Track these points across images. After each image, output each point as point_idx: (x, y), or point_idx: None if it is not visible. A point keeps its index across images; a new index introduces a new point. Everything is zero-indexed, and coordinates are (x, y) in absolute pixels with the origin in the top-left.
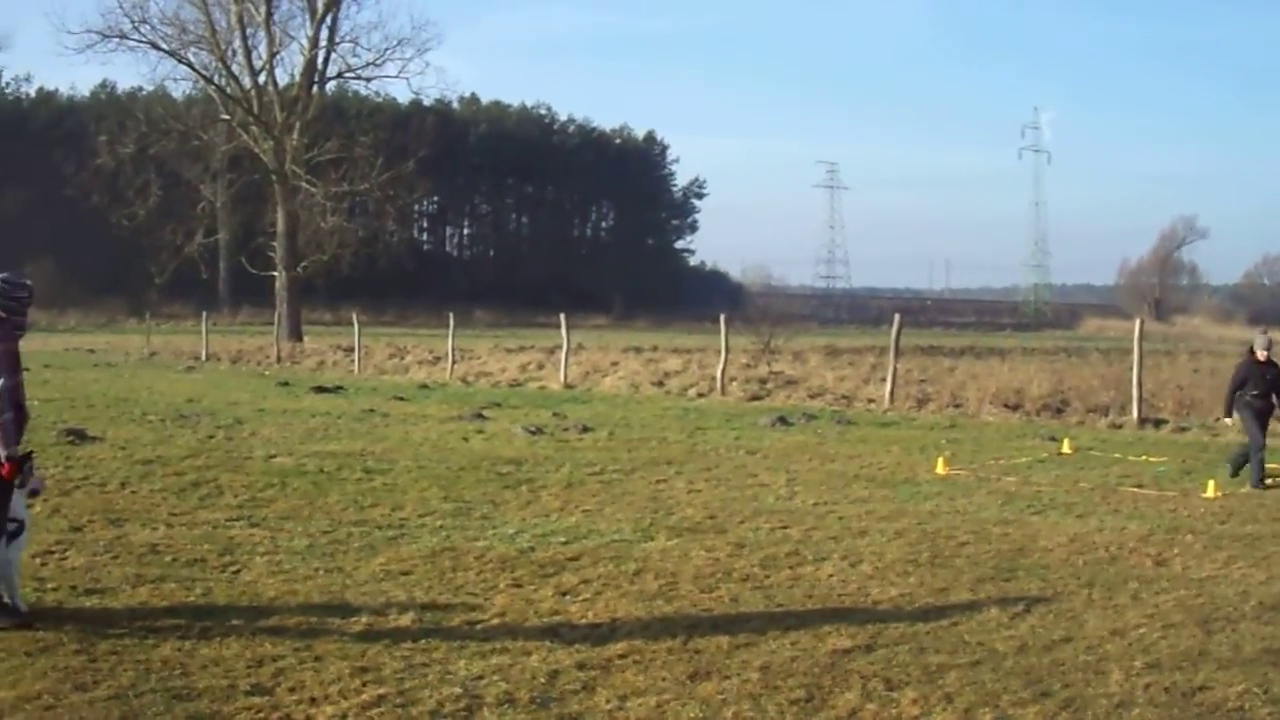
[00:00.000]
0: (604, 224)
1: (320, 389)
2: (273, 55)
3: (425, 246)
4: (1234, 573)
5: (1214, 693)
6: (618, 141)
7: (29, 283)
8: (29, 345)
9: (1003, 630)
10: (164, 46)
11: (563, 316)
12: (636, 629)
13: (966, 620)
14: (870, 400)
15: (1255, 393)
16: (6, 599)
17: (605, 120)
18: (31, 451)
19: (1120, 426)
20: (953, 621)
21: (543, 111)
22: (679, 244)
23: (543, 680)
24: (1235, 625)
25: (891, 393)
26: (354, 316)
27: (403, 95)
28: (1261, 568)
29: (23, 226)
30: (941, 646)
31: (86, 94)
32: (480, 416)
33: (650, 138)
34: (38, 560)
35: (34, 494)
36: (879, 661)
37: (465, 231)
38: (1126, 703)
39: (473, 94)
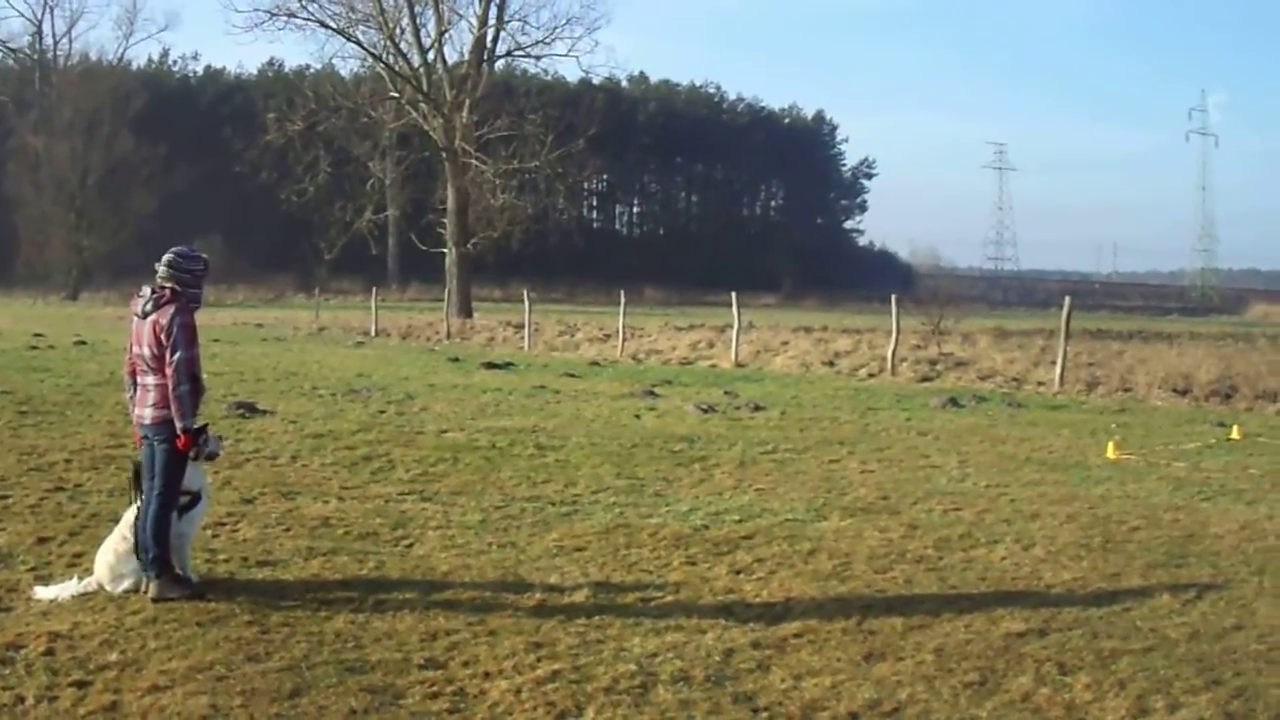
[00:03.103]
0: (773, 203)
1: (491, 365)
2: (441, 33)
3: (595, 224)
4: None
5: None
6: (787, 121)
7: (204, 256)
8: (197, 319)
9: (1174, 617)
10: (332, 25)
11: (734, 295)
12: (811, 609)
13: (1138, 606)
14: (1040, 383)
15: None
16: (179, 570)
17: (774, 100)
18: (207, 424)
19: None
20: (1125, 607)
21: (711, 90)
22: (848, 224)
23: (717, 659)
24: None
25: (1061, 376)
26: (525, 293)
27: (572, 74)
28: None
29: (192, 202)
30: (1114, 632)
31: (254, 72)
32: (652, 394)
33: (819, 117)
34: (209, 532)
35: (212, 457)
36: (1052, 646)
37: (634, 210)
38: None
39: (641, 73)
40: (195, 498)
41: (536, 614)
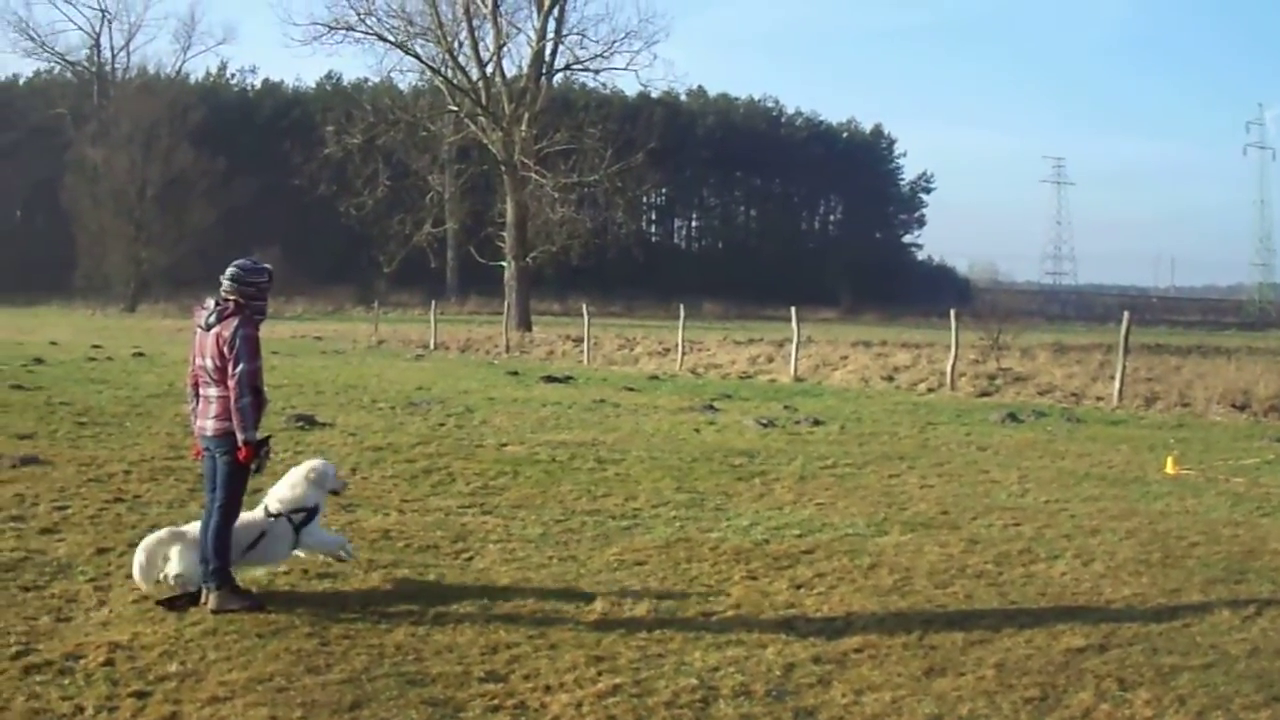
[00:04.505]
0: (832, 218)
1: (550, 378)
2: (500, 47)
3: (654, 238)
4: None
5: None
6: (845, 135)
7: (268, 267)
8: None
9: (1234, 633)
10: (390, 38)
11: (793, 309)
12: (871, 623)
13: (1198, 622)
14: (1099, 398)
15: None
16: (341, 553)
17: (832, 114)
18: (269, 436)
19: None
20: (1185, 623)
21: (770, 104)
22: (906, 238)
23: (778, 673)
24: None
25: (1120, 391)
26: (583, 307)
27: (631, 88)
28: None
29: (252, 215)
30: (1174, 648)
31: (312, 85)
32: (711, 408)
33: (878, 131)
34: None
35: (335, 493)
36: (1112, 661)
37: (693, 224)
38: None
39: (700, 86)
40: (313, 512)
41: (597, 628)
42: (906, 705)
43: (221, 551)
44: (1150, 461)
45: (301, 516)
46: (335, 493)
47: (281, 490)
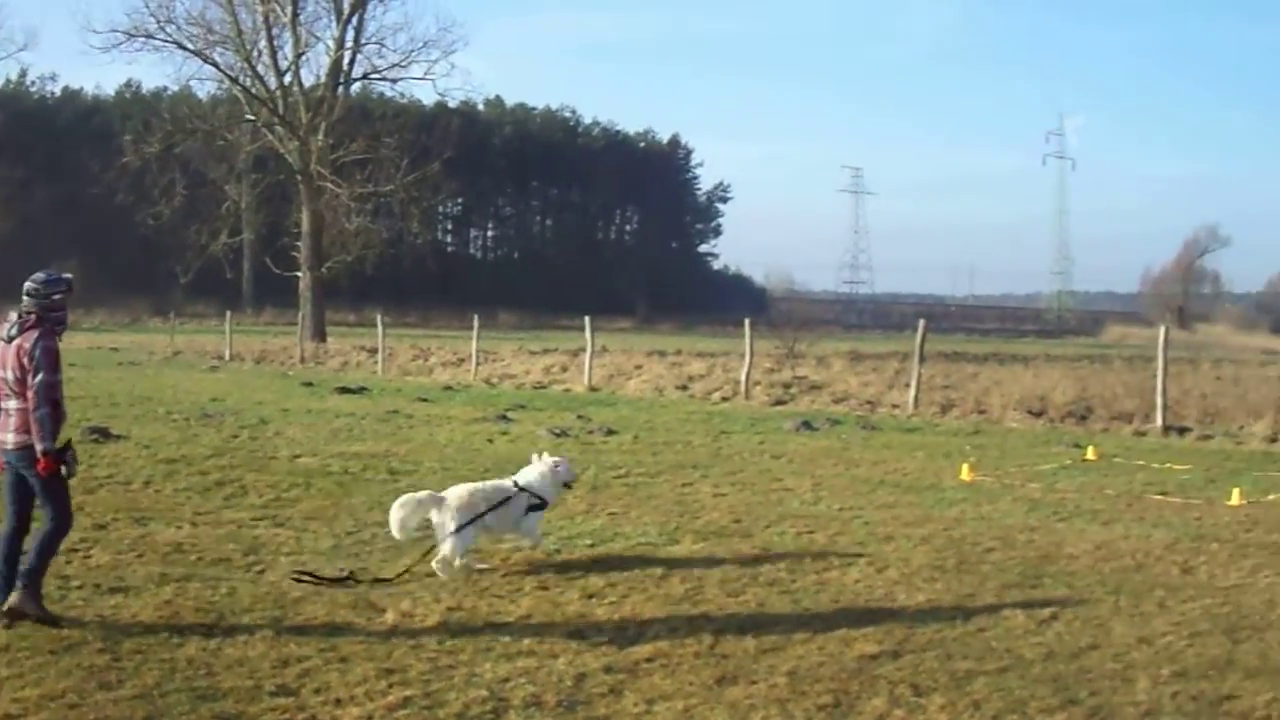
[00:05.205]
0: (628, 227)
1: (344, 390)
2: (298, 56)
3: (449, 248)
4: (1260, 581)
5: (1241, 701)
6: (642, 145)
7: (66, 277)
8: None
9: (1029, 637)
10: (189, 46)
11: (587, 319)
12: (663, 632)
13: (993, 627)
14: (894, 406)
15: None
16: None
17: (629, 124)
18: (70, 440)
19: (1144, 434)
20: (979, 628)
21: (567, 114)
22: (703, 248)
23: (569, 683)
24: (1262, 634)
25: (916, 398)
26: (378, 317)
27: (428, 97)
28: None
29: (49, 225)
30: (969, 653)
31: (112, 93)
32: (505, 418)
33: (674, 141)
34: (62, 558)
35: (568, 485)
36: (906, 667)
37: (489, 234)
38: (1154, 711)
39: (497, 96)
40: (543, 503)
41: (388, 640)
42: (699, 714)
43: (44, 555)
44: (946, 468)
45: (537, 502)
46: (568, 485)
47: (530, 475)
